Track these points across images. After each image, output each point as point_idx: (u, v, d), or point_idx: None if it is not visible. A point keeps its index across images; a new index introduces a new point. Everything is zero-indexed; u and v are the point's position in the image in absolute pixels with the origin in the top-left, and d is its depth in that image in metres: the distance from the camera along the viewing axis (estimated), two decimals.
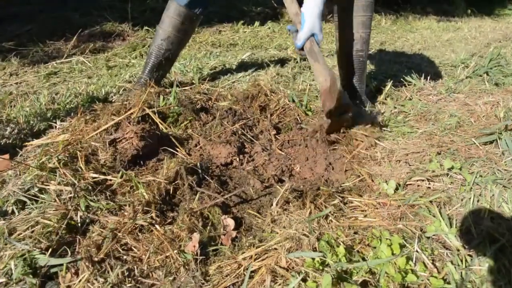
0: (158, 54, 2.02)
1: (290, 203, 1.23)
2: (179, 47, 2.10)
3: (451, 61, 3.00)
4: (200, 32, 3.88)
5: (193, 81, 2.29)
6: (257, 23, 4.27)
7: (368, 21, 1.91)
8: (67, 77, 2.43)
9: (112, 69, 2.64)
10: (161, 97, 1.75)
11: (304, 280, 0.93)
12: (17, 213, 1.13)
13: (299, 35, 1.49)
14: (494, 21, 6.51)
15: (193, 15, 1.98)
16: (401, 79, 2.39)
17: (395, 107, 1.96)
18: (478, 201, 1.18)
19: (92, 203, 1.16)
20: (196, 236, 1.05)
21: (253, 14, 4.77)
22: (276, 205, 1.21)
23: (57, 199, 1.16)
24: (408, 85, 2.29)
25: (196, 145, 1.57)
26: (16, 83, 2.31)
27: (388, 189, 1.28)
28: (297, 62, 2.79)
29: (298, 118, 1.77)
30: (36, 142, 1.52)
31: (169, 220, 1.15)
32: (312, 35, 1.50)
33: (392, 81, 2.27)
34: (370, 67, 2.85)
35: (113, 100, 2.02)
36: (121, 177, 1.28)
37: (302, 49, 1.53)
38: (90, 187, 1.22)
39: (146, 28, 3.58)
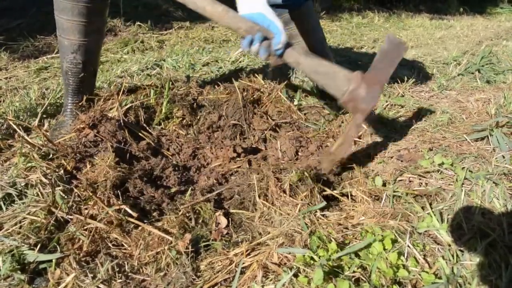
0: (75, 71, 1.55)
1: (282, 199, 1.22)
2: (99, 50, 1.64)
3: (443, 58, 3.01)
4: (193, 28, 3.86)
5: (185, 77, 2.27)
6: None
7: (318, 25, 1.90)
8: (58, 72, 2.40)
9: (104, 64, 2.61)
10: (152, 92, 1.74)
11: (295, 275, 0.92)
12: (4, 209, 1.12)
13: (282, 38, 1.21)
14: (486, 20, 6.55)
15: (100, 5, 1.48)
16: (394, 76, 2.39)
17: (387, 102, 1.96)
18: (469, 196, 1.19)
19: (79, 198, 1.15)
20: (187, 233, 1.05)
21: None
22: (267, 200, 1.21)
23: (44, 194, 1.14)
24: (401, 81, 2.29)
25: (186, 142, 1.56)
26: (6, 78, 2.28)
27: (380, 185, 1.28)
28: None
29: (291, 115, 1.76)
30: (25, 137, 1.49)
31: (160, 216, 1.14)
32: None
33: None
34: (363, 63, 2.85)
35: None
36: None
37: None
38: (76, 182, 1.21)
39: (139, 23, 3.55)
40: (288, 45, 1.26)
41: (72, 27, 1.45)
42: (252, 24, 1.22)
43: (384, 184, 1.29)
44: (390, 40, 1.24)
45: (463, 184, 1.24)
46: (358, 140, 1.58)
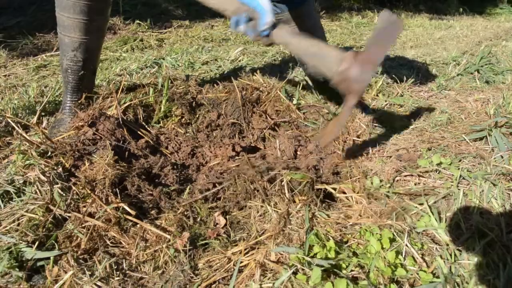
0: (75, 68, 1.55)
1: (280, 197, 1.22)
2: (99, 48, 1.65)
3: (442, 58, 3.02)
4: (192, 26, 3.85)
5: (184, 75, 2.27)
6: None
7: (319, 25, 1.83)
8: (57, 70, 2.40)
9: (103, 62, 2.61)
10: (151, 90, 1.74)
11: (294, 273, 0.92)
12: (2, 206, 1.11)
13: (267, 19, 1.15)
14: (485, 20, 6.55)
15: (101, 3, 1.49)
16: (393, 76, 2.39)
17: (386, 102, 1.96)
18: (467, 196, 1.19)
19: (77, 196, 1.15)
20: (185, 231, 1.05)
21: None
22: (265, 199, 1.21)
23: (42, 191, 1.14)
24: (400, 81, 2.30)
25: (185, 140, 1.56)
26: (5, 76, 2.28)
27: (378, 184, 1.28)
28: (290, 57, 2.78)
29: (290, 114, 1.76)
30: (24, 134, 1.49)
31: (158, 214, 1.14)
32: None
33: (384, 77, 2.27)
34: None
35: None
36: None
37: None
38: (74, 180, 1.20)
39: (138, 22, 3.55)
40: (275, 25, 1.20)
41: (73, 24, 1.45)
42: (239, 5, 1.18)
43: (382, 184, 1.29)
44: (384, 17, 1.18)
45: (461, 184, 1.24)
46: (357, 139, 1.58)
